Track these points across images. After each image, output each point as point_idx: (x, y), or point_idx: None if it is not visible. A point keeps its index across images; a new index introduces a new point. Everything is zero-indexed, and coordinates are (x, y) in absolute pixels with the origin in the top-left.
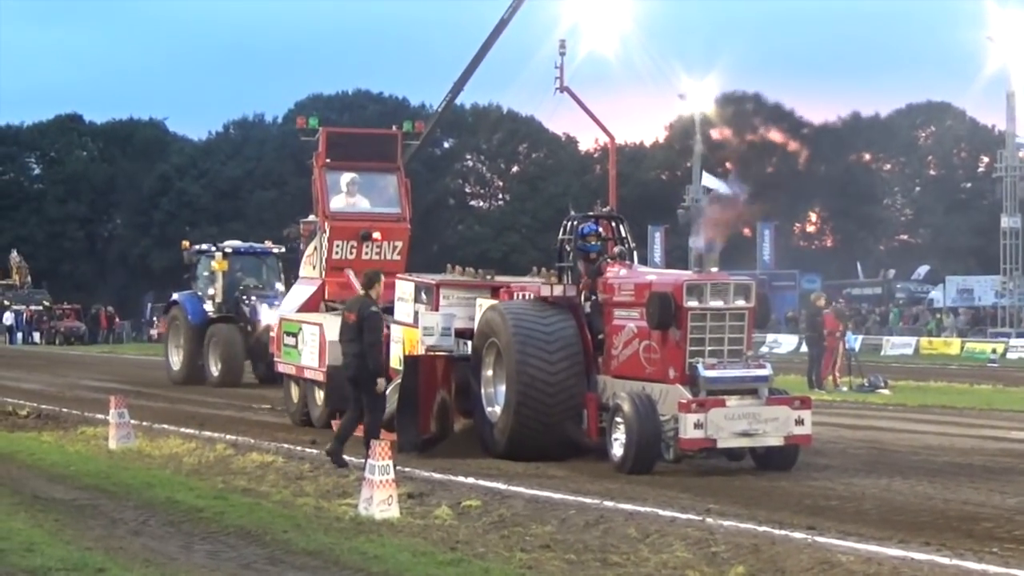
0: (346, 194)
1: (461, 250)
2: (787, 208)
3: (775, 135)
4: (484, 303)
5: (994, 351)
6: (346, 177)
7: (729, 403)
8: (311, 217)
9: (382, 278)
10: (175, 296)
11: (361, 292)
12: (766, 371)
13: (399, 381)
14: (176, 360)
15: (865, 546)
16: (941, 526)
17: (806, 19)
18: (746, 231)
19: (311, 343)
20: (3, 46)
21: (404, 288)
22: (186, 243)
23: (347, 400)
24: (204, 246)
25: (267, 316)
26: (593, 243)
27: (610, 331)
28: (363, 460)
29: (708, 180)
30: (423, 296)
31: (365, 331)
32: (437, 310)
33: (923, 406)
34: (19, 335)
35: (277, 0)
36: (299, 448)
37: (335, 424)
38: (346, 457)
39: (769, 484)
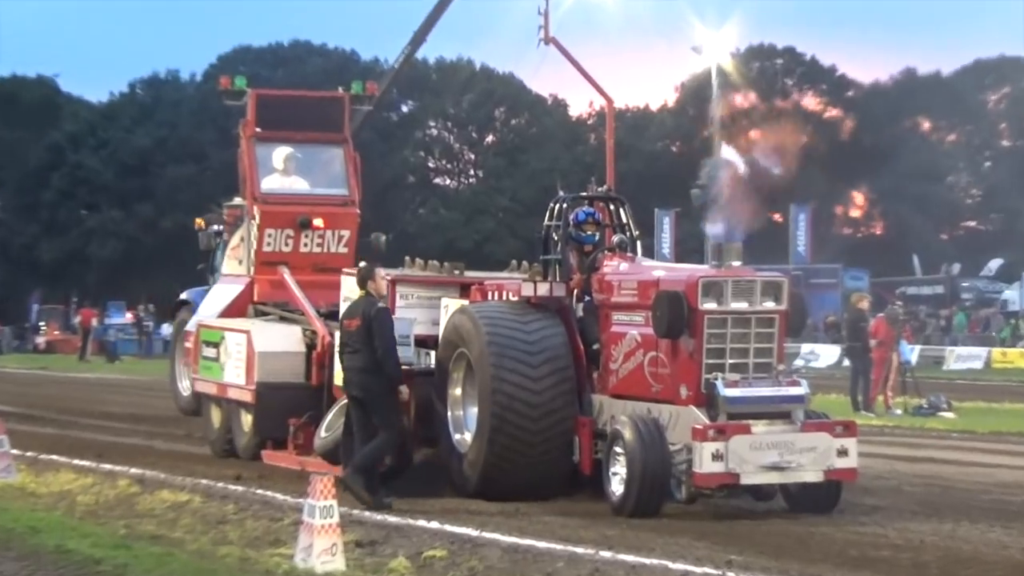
0: (281, 172)
1: (423, 239)
2: (827, 188)
3: (811, 99)
4: (451, 304)
5: None
6: (281, 152)
7: (755, 429)
8: (237, 200)
9: (377, 272)
10: (184, 295)
11: (359, 292)
12: (801, 389)
13: (344, 401)
14: (186, 384)
15: None
16: None
17: None
18: (776, 216)
19: (236, 356)
20: None
21: (351, 285)
22: (200, 222)
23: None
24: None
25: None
26: (589, 232)
27: (608, 340)
28: (302, 499)
29: (729, 153)
30: None
31: (376, 333)
32: (392, 313)
33: (995, 433)
34: None
35: None
36: (221, 485)
37: (266, 455)
38: (284, 497)
39: (805, 530)
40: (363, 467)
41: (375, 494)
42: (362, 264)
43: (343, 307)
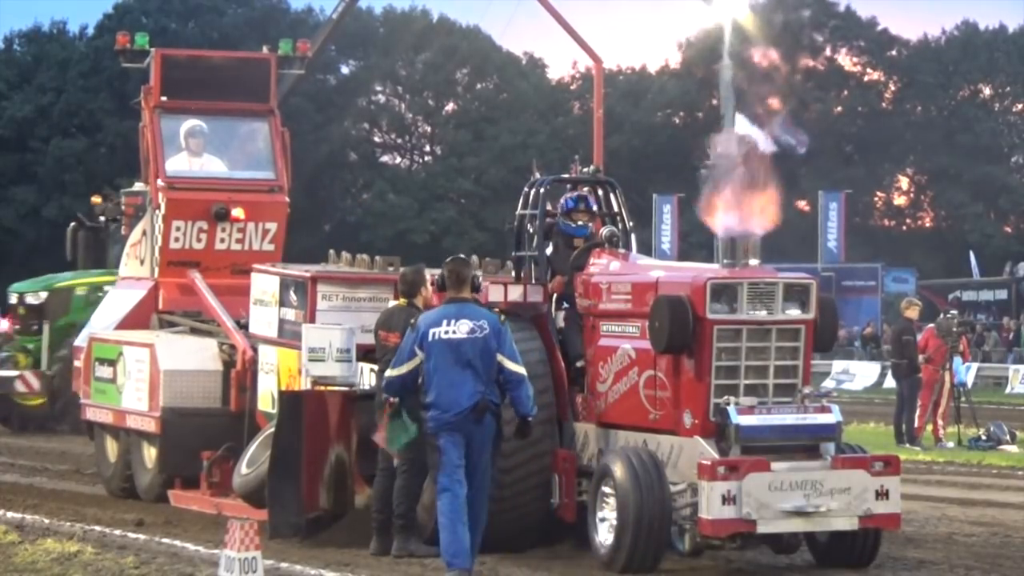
0: (192, 150)
1: (368, 230)
2: (864, 170)
3: (847, 58)
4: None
5: None
6: (191, 125)
7: (776, 466)
8: (138, 186)
9: (427, 277)
10: None
11: (400, 300)
12: (832, 417)
13: (270, 431)
14: None
15: None
16: None
17: None
18: (802, 204)
19: (137, 376)
20: None
21: (263, 285)
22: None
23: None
24: None
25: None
26: (580, 223)
27: (595, 356)
28: (218, 550)
29: (744, 125)
30: (291, 296)
31: None
32: (312, 318)
33: None
34: None
35: None
36: (118, 532)
37: (173, 496)
38: (196, 547)
39: None
40: (409, 521)
41: (420, 542)
42: (409, 267)
43: (254, 313)
